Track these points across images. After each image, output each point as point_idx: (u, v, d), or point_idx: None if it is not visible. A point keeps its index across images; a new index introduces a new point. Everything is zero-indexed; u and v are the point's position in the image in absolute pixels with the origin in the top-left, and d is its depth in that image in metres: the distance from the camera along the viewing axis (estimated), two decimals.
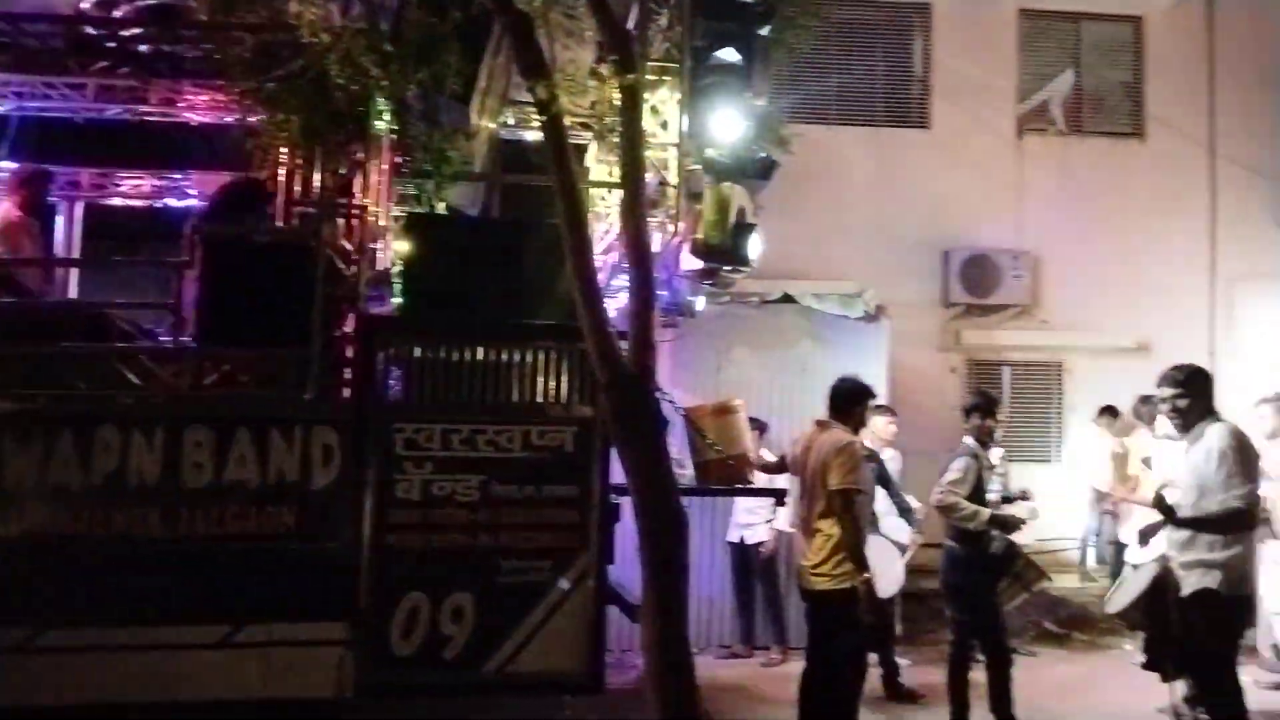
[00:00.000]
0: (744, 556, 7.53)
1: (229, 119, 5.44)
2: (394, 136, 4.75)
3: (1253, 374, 10.94)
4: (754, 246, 5.21)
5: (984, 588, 5.24)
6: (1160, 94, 11.29)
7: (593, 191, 5.87)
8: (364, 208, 4.72)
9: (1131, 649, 7.40)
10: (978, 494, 5.25)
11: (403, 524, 4.45)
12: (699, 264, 5.12)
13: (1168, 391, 4.60)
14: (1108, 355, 10.67)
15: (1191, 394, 4.51)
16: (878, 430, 6.85)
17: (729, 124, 4.89)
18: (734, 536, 7.57)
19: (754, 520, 7.42)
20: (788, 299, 7.95)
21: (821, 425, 4.91)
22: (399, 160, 4.85)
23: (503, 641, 4.43)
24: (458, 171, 4.77)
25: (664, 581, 3.09)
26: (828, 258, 10.06)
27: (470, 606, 4.42)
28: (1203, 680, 4.97)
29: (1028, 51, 11.26)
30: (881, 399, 7.73)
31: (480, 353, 4.59)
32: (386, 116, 4.66)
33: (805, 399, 8.01)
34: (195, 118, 5.63)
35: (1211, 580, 4.26)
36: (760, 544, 7.41)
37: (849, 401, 4.91)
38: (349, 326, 4.74)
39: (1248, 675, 5.27)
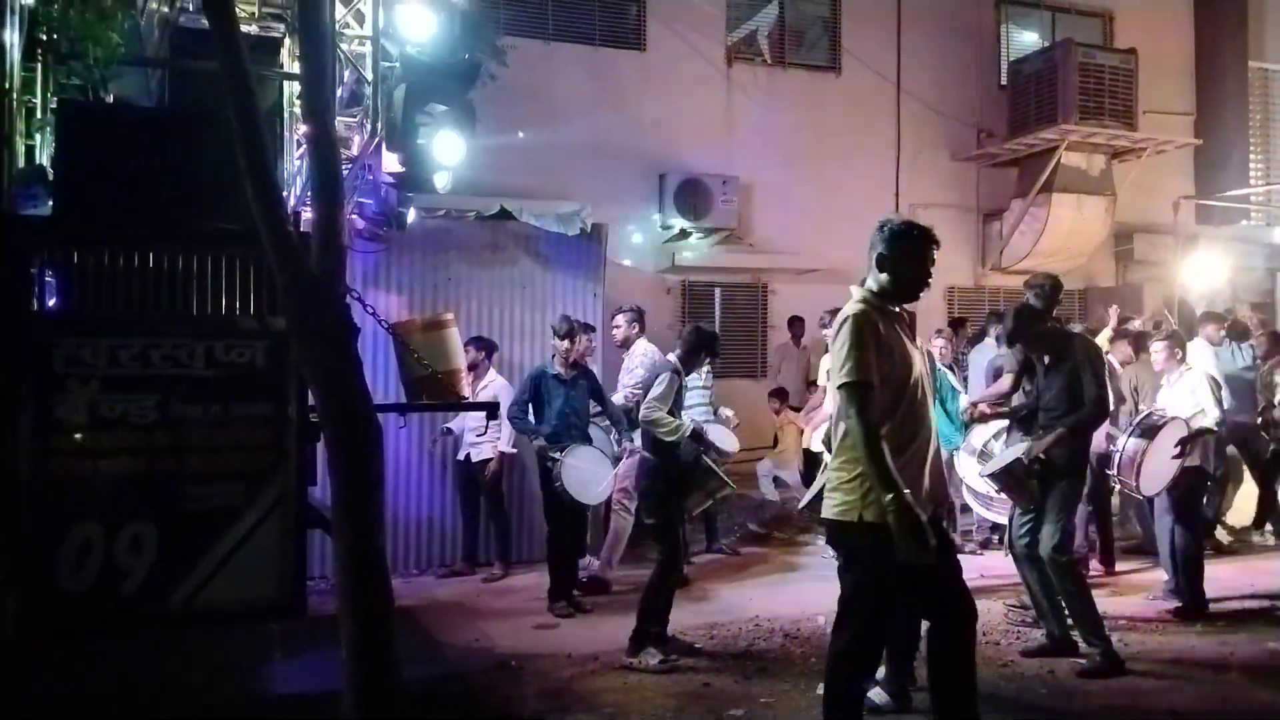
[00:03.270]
0: (470, 474, 7.48)
1: None
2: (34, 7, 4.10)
3: (930, 294, 12.13)
4: (445, 155, 5.00)
5: (672, 494, 5.42)
6: (854, 31, 12.04)
7: (293, 91, 5.46)
8: (2, 91, 4.07)
9: (824, 544, 8.09)
10: (676, 407, 5.45)
11: (66, 448, 3.98)
12: (397, 168, 4.86)
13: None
14: (806, 277, 11.42)
15: None
16: (583, 348, 6.95)
17: (428, 21, 4.64)
18: (461, 454, 7.49)
19: (480, 440, 7.37)
20: (505, 214, 7.82)
21: None
22: (44, 39, 4.21)
23: (191, 571, 4.09)
24: (113, 55, 4.21)
25: (355, 491, 2.94)
26: (547, 177, 10.01)
27: (151, 536, 4.04)
28: None
29: None
30: (596, 318, 7.88)
31: (154, 259, 4.14)
32: None
33: (526, 316, 8.03)
34: None
35: None
36: (486, 461, 7.38)
37: None
38: None
39: None
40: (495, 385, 7.27)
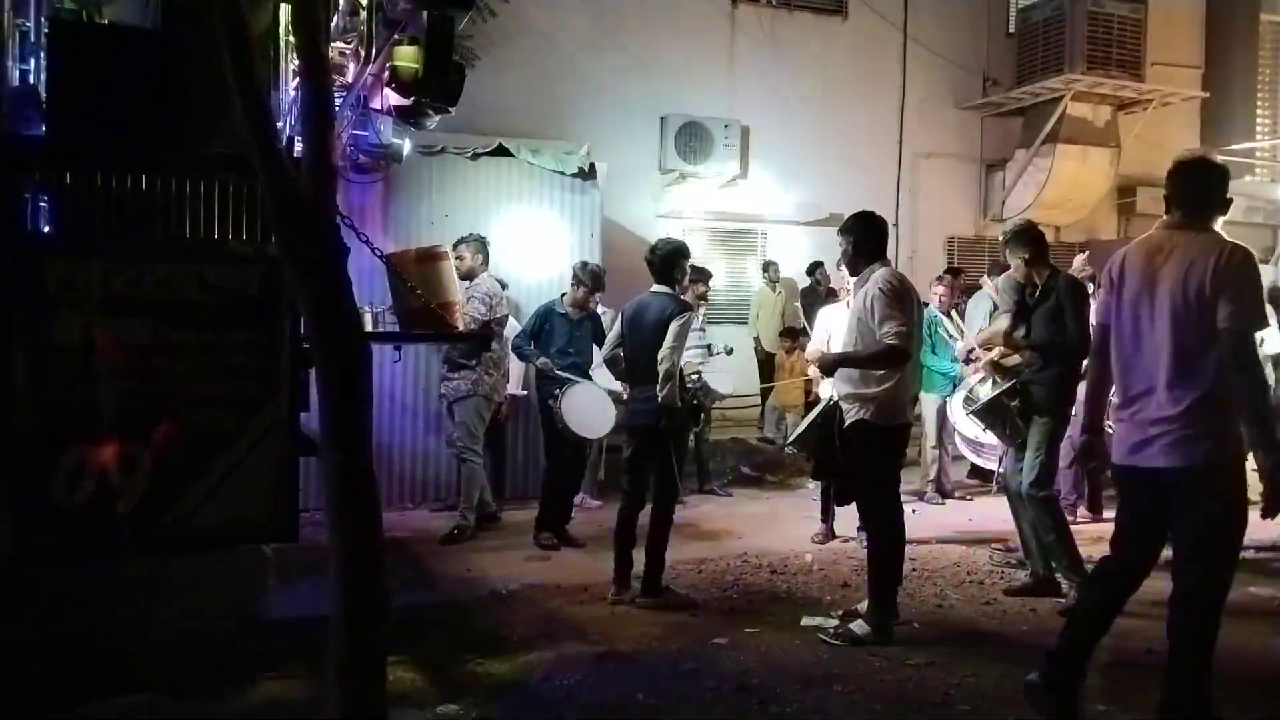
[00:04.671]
0: None
1: None
2: None
3: (930, 243, 12.12)
4: (456, 83, 4.96)
5: (675, 433, 5.38)
6: None
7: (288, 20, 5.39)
8: None
9: (814, 487, 8.16)
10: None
11: (60, 371, 4.00)
12: (397, 99, 4.82)
13: (840, 240, 4.91)
14: (805, 224, 11.37)
15: (860, 240, 4.79)
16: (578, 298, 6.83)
17: None
18: None
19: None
20: (502, 150, 7.78)
21: None
22: None
23: (184, 493, 4.14)
24: None
25: (343, 410, 2.96)
26: (546, 116, 9.94)
27: (144, 458, 4.09)
28: (865, 506, 5.54)
29: None
30: (593, 259, 7.85)
31: (147, 182, 4.13)
32: None
33: (523, 254, 8.01)
34: None
35: (865, 412, 4.63)
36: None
37: None
38: None
39: (910, 507, 5.92)
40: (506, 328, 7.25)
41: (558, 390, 6.40)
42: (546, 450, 6.77)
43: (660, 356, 5.09)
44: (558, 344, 6.59)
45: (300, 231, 3.02)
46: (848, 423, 4.69)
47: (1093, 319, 4.05)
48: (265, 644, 4.33)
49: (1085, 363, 4.80)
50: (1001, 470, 5.71)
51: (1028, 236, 5.33)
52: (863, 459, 4.73)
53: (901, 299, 4.56)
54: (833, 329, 6.72)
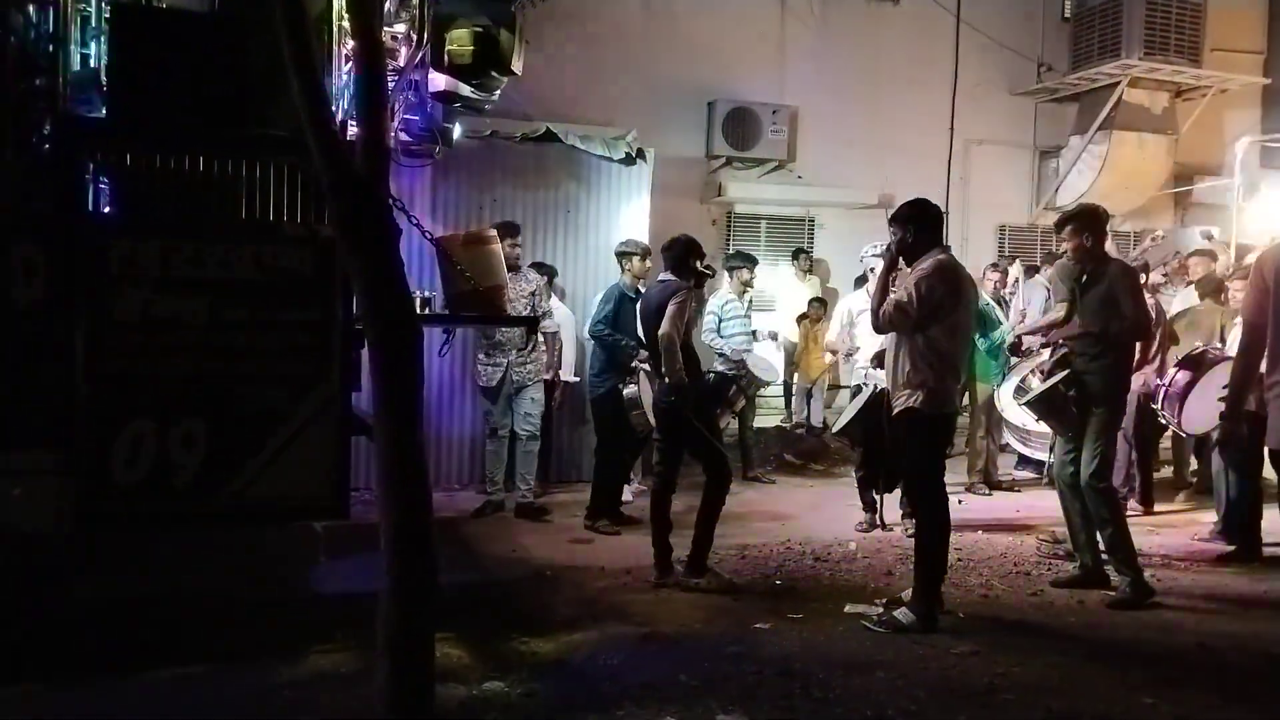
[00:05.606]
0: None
1: None
2: None
3: (982, 231, 11.97)
4: (504, 67, 4.99)
5: (695, 410, 5.34)
6: None
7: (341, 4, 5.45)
8: None
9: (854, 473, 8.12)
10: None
11: (122, 347, 4.11)
12: (445, 82, 4.86)
13: (893, 228, 4.85)
14: (854, 211, 11.28)
15: (915, 227, 4.73)
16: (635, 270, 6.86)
17: None
18: None
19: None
20: (550, 136, 7.80)
21: None
22: None
23: (239, 469, 4.23)
24: None
25: (396, 389, 3.01)
26: (594, 102, 9.95)
27: (202, 433, 4.19)
28: (910, 492, 5.53)
29: None
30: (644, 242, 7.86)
31: (205, 164, 4.22)
32: None
33: (570, 240, 8.05)
34: None
35: (914, 399, 4.60)
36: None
37: None
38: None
39: (956, 498, 5.86)
40: (559, 314, 7.29)
41: (629, 378, 6.35)
42: (603, 441, 6.75)
43: (659, 334, 5.16)
44: (629, 329, 6.42)
45: (354, 210, 3.07)
46: (895, 410, 4.66)
47: (1244, 317, 4.33)
48: (316, 618, 4.42)
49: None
50: (1050, 460, 5.65)
51: (1087, 218, 5.26)
52: (910, 446, 4.71)
53: (930, 296, 4.54)
54: (855, 313, 6.71)
